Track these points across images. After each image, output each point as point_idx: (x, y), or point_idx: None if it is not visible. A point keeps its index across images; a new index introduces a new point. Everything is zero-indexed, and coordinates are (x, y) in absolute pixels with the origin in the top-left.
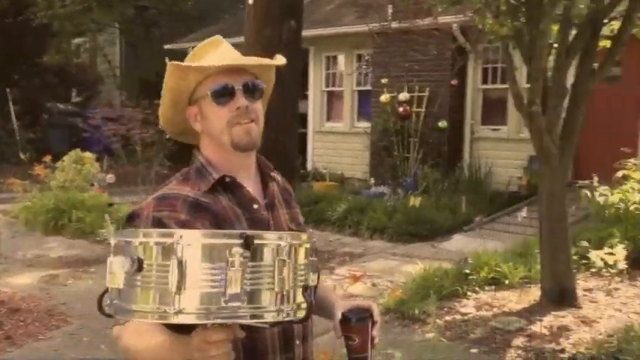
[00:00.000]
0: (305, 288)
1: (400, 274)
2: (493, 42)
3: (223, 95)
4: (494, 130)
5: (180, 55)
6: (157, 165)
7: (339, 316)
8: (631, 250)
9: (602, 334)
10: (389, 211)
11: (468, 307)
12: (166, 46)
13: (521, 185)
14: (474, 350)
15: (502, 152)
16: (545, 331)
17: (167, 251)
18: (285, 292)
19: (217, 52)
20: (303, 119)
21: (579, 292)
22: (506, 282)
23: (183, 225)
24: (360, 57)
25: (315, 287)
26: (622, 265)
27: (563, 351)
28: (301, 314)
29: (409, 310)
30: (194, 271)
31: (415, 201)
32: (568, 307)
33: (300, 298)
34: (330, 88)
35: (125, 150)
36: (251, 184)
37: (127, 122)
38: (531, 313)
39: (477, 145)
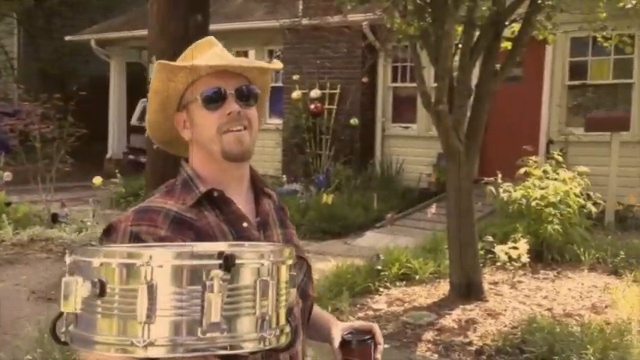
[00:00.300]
0: (289, 310)
1: (313, 271)
2: (401, 41)
3: (214, 100)
4: (405, 127)
5: (82, 47)
6: (58, 162)
7: (338, 338)
8: (533, 244)
9: (507, 326)
10: (302, 208)
11: (380, 302)
12: (68, 38)
13: (430, 182)
14: (385, 346)
15: (412, 149)
16: (454, 325)
17: (134, 274)
18: (267, 317)
19: (209, 53)
20: None
21: (486, 286)
22: (417, 277)
23: (163, 242)
24: (271, 53)
25: (312, 306)
26: (525, 258)
27: (471, 344)
28: (284, 340)
29: (322, 307)
30: (166, 296)
31: (328, 198)
32: (475, 301)
33: (282, 321)
34: None
35: (23, 146)
36: (242, 200)
37: (25, 117)
38: (441, 307)
39: (389, 143)
